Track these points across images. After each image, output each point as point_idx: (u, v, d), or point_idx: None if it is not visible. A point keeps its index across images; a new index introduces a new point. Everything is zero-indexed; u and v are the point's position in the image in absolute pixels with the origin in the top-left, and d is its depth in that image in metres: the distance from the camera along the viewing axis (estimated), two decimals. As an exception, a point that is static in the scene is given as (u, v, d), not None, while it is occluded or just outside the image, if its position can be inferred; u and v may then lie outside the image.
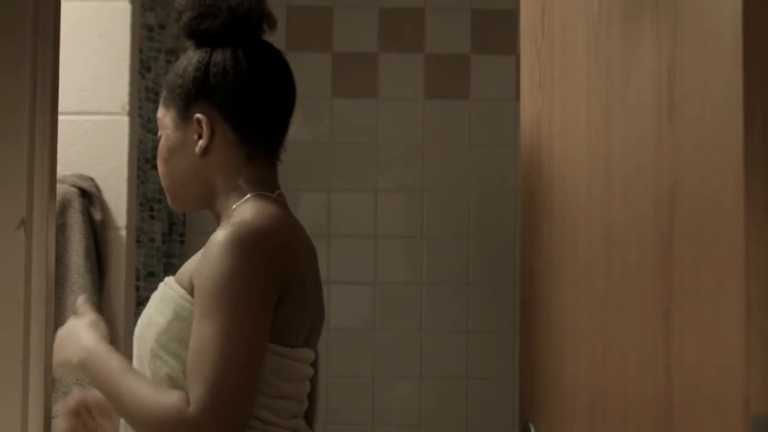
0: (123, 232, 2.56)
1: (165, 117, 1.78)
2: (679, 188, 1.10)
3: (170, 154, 1.77)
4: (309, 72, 3.64)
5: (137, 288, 3.01)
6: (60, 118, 1.59)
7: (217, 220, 1.76)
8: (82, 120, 2.57)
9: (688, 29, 1.09)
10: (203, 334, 1.55)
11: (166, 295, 1.66)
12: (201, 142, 1.73)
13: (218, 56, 1.73)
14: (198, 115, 1.73)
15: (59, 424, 1.75)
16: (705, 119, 1.04)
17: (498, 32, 3.74)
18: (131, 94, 2.60)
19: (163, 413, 1.54)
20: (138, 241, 2.88)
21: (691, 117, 1.07)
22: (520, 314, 1.74)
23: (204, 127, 1.72)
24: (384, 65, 3.73)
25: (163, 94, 1.79)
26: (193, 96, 1.73)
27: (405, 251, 3.68)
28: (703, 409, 1.03)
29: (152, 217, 3.22)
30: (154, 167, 3.22)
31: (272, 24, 1.78)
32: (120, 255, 2.55)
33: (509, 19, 3.69)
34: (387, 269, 3.65)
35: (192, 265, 1.67)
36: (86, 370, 1.66)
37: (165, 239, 3.36)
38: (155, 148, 3.21)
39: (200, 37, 1.75)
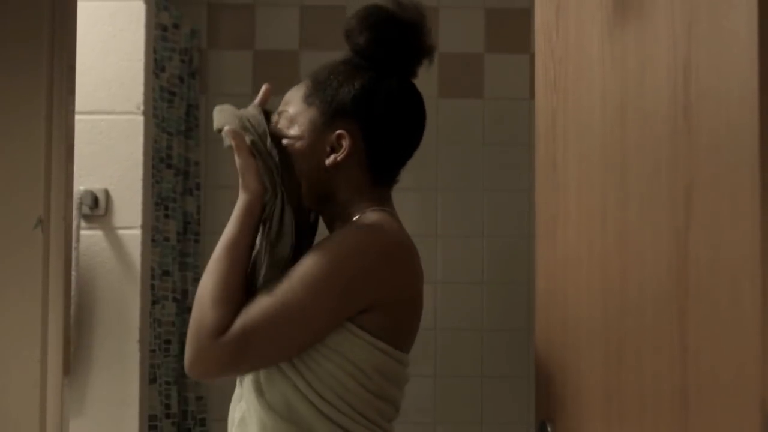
0: (138, 231, 2.57)
1: (303, 113, 1.73)
2: (694, 187, 1.10)
3: (292, 151, 1.71)
4: (323, 71, 3.64)
5: (152, 287, 3.02)
6: (75, 117, 1.59)
7: (330, 225, 1.77)
8: (97, 120, 2.58)
9: (704, 27, 1.09)
10: (300, 270, 1.57)
11: None
12: (335, 156, 1.69)
13: (383, 87, 1.72)
14: (342, 131, 1.69)
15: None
16: (721, 117, 1.04)
17: (512, 31, 3.74)
18: (146, 93, 2.61)
19: (202, 326, 1.57)
20: (153, 240, 2.89)
21: (707, 115, 1.07)
22: (535, 312, 1.74)
23: (344, 144, 1.69)
24: (398, 64, 3.72)
25: (306, 89, 1.75)
26: (344, 111, 1.70)
27: (419, 250, 3.66)
28: (718, 406, 1.03)
29: (167, 216, 3.22)
30: (169, 166, 3.23)
31: (432, 59, 1.76)
32: (135, 254, 2.55)
33: (523, 17, 3.68)
34: (401, 268, 3.64)
35: None
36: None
37: (180, 238, 3.37)
38: (169, 147, 3.24)
39: (370, 58, 1.73)
